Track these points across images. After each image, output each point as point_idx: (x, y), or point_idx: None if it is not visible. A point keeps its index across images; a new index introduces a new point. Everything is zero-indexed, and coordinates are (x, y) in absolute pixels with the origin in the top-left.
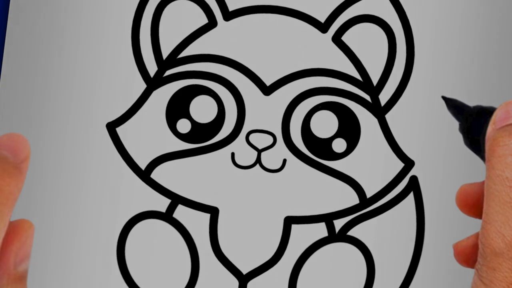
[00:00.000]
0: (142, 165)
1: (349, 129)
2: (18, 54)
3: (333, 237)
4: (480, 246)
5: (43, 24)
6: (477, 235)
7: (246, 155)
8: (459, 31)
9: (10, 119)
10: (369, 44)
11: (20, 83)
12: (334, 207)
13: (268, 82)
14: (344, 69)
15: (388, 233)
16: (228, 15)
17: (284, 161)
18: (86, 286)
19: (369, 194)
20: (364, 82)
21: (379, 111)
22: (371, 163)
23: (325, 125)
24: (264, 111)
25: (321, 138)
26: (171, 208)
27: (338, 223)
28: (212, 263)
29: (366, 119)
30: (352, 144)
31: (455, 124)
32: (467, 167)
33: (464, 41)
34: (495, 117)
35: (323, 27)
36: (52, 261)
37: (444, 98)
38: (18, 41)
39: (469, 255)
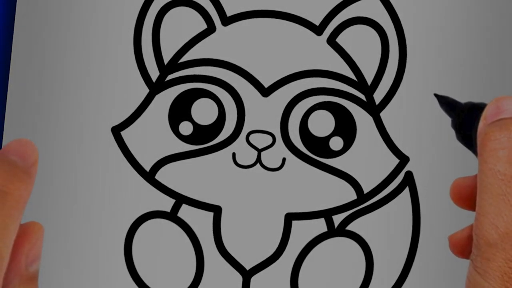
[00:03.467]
0: (147, 167)
1: (346, 128)
2: (26, 63)
3: (332, 232)
4: (474, 237)
5: (49, 34)
6: (471, 227)
7: (247, 155)
8: (449, 31)
9: (19, 125)
10: (362, 45)
11: (29, 91)
12: (333, 203)
13: (266, 84)
14: (339, 69)
15: (385, 227)
16: (226, 20)
17: (284, 160)
18: (95, 284)
19: (366, 189)
20: (359, 82)
21: (374, 110)
22: (367, 160)
23: (322, 124)
24: (263, 112)
25: (318, 137)
26: (176, 207)
27: (337, 219)
28: (216, 259)
29: (361, 118)
30: (348, 142)
31: (448, 120)
32: (460, 162)
33: (454, 41)
34: (486, 112)
35: (318, 29)
36: (62, 261)
37: (436, 95)
38: (25, 51)
39: (464, 246)
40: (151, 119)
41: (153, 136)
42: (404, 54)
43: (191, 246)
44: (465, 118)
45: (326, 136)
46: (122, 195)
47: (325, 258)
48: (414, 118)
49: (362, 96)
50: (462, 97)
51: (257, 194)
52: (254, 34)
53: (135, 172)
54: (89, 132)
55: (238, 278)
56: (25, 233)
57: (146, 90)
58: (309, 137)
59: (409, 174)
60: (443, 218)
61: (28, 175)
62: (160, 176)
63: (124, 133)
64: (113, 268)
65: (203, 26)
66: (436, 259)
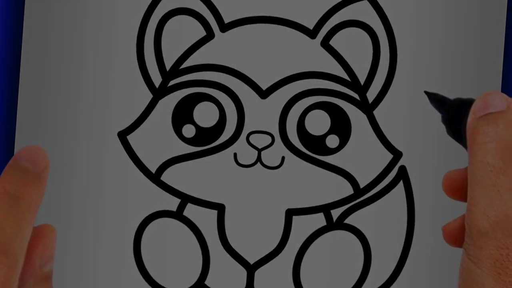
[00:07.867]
0: (153, 169)
1: (341, 126)
2: (34, 73)
3: (331, 225)
4: (466, 227)
5: (56, 46)
6: (463, 217)
7: (247, 155)
8: (437, 32)
9: (30, 132)
10: (355, 47)
11: (40, 100)
12: (331, 198)
13: (264, 86)
14: (333, 71)
15: (382, 219)
16: (224, 27)
17: (283, 158)
18: (107, 282)
19: (362, 184)
20: (352, 82)
21: (368, 108)
22: (362, 156)
23: (318, 123)
24: (262, 113)
25: (315, 136)
26: (181, 207)
27: (335, 213)
28: (221, 255)
29: (356, 116)
30: (344, 139)
31: (438, 116)
32: (451, 155)
33: (442, 41)
34: (474, 107)
35: (312, 33)
36: (74, 261)
37: (426, 92)
38: (33, 61)
39: (457, 235)
40: (155, 123)
41: (158, 139)
42: (395, 54)
43: (197, 243)
44: (454, 114)
45: (323, 135)
46: (130, 196)
47: (325, 250)
48: (406, 115)
49: (356, 96)
50: (451, 94)
51: (258, 192)
52: (251, 39)
53: (142, 174)
54: (97, 137)
55: (243, 272)
56: (39, 235)
57: (149, 96)
58: (306, 136)
59: (402, 169)
60: (436, 209)
61: (39, 180)
62: (165, 177)
63: (130, 137)
64: (123, 266)
65: (202, 33)
66: (430, 248)
